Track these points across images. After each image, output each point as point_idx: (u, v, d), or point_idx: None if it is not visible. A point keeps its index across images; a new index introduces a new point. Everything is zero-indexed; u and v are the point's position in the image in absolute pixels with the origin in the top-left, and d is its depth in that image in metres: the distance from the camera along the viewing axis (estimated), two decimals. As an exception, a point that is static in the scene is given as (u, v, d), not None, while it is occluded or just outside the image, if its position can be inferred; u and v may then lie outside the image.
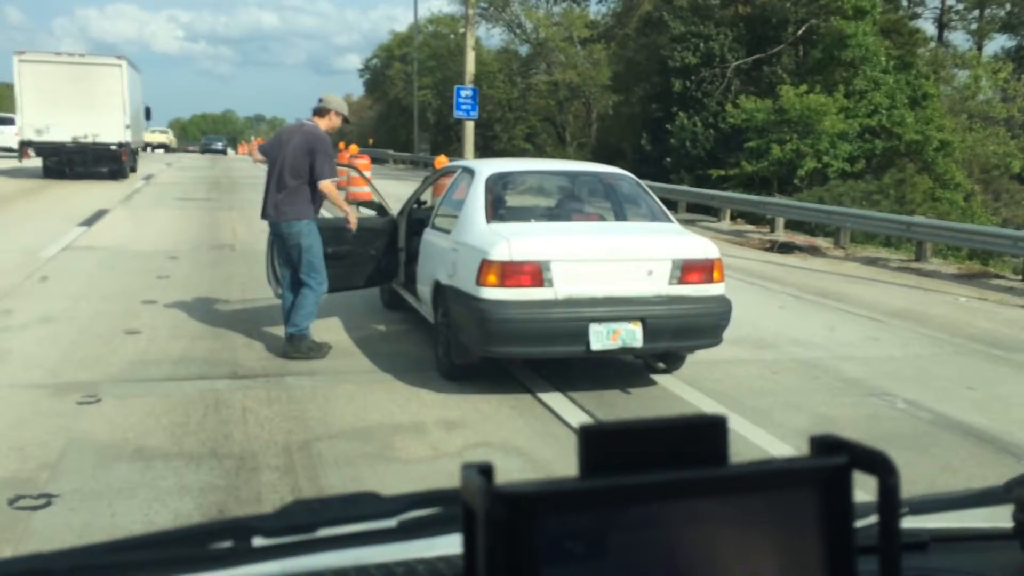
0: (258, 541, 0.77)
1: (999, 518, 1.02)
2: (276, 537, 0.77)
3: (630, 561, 0.46)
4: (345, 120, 6.02)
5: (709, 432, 0.50)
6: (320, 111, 5.90)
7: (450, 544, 0.80)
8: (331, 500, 0.85)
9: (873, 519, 0.52)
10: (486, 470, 0.45)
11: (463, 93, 24.32)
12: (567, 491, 0.45)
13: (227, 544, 0.77)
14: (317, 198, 5.75)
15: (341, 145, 28.59)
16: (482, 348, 4.90)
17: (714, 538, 0.48)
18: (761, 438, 4.45)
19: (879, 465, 0.48)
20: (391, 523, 0.80)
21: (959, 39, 32.67)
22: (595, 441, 0.48)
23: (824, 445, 0.51)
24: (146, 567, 0.75)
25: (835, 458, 0.50)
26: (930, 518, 1.02)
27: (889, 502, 0.48)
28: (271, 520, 0.79)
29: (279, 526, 0.78)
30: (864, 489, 0.53)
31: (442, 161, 16.76)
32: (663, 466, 0.48)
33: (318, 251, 5.78)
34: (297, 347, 5.70)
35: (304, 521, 0.79)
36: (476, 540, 0.43)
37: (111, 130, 19.84)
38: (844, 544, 0.49)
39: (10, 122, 25.09)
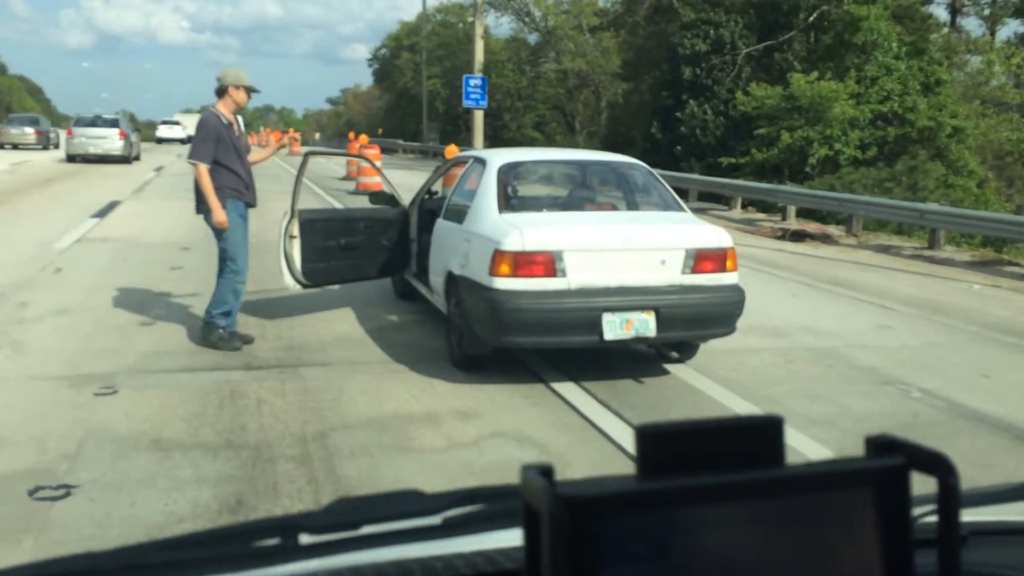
0: (304, 539, 0.77)
1: None
2: (322, 534, 0.78)
3: (689, 562, 0.46)
4: (249, 90, 5.69)
5: (765, 433, 0.50)
6: (218, 92, 5.72)
7: (493, 540, 0.80)
8: (375, 498, 0.86)
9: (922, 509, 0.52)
10: (547, 471, 0.45)
11: (472, 82, 24.26)
12: (628, 493, 0.45)
13: (274, 541, 0.77)
14: (224, 181, 5.62)
15: (351, 135, 28.58)
16: (495, 338, 4.91)
17: (771, 539, 0.48)
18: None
19: (938, 466, 0.48)
20: (435, 520, 0.81)
21: (972, 24, 32.36)
22: (651, 442, 0.48)
23: (880, 445, 0.50)
24: (195, 564, 0.76)
25: (892, 459, 0.49)
26: (969, 512, 1.01)
27: (949, 503, 0.48)
28: (317, 518, 0.79)
29: (325, 523, 0.79)
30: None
31: (453, 151, 16.72)
32: (719, 466, 0.48)
33: (231, 237, 5.62)
34: (206, 336, 5.67)
35: (349, 519, 0.79)
36: (540, 541, 0.43)
37: None
38: (902, 545, 0.49)
39: (175, 123, 51.99)
